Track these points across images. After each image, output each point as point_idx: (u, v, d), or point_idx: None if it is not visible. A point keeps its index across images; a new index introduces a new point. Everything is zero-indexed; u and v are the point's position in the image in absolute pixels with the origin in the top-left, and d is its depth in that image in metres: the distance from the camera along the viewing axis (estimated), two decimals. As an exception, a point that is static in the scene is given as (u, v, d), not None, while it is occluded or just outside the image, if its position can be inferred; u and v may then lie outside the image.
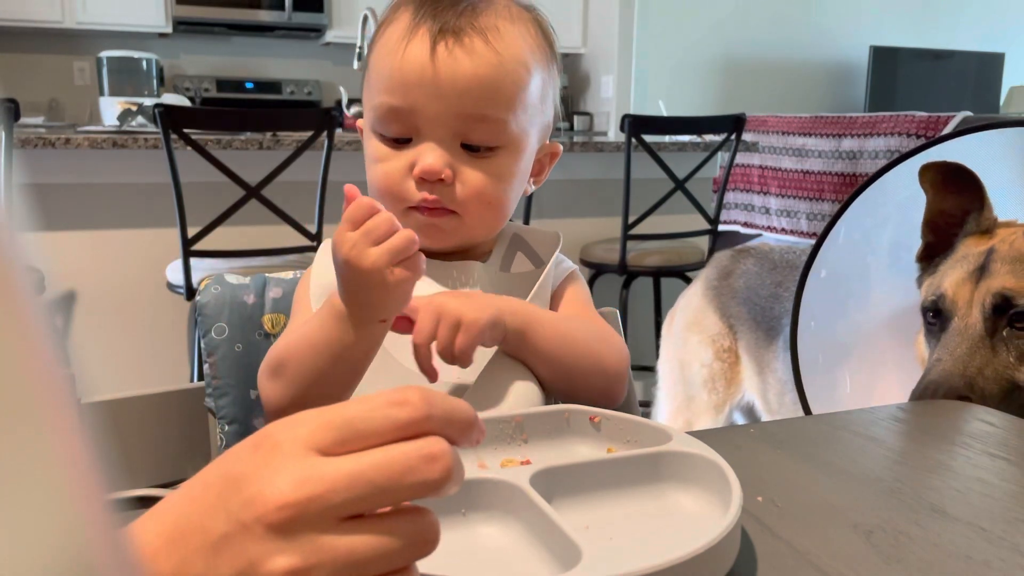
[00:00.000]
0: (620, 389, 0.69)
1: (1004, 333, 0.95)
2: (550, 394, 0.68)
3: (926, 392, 0.91)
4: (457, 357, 0.59)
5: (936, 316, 1.01)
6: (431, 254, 0.70)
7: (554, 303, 0.73)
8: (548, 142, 0.72)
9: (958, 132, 1.11)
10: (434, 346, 0.60)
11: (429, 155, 0.64)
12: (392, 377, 0.64)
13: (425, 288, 0.67)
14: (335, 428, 0.32)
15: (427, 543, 0.33)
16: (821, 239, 1.20)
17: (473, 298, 0.61)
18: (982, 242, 1.02)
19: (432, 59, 0.62)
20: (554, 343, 0.65)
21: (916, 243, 1.11)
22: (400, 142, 0.66)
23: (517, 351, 0.66)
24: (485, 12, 0.65)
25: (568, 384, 0.67)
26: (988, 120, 1.12)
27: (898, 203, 1.18)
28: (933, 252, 1.09)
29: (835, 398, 1.21)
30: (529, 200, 2.57)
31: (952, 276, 1.00)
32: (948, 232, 1.07)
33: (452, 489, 0.33)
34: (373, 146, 0.67)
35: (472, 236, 0.70)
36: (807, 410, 1.21)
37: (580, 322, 0.70)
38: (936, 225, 1.08)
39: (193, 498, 0.33)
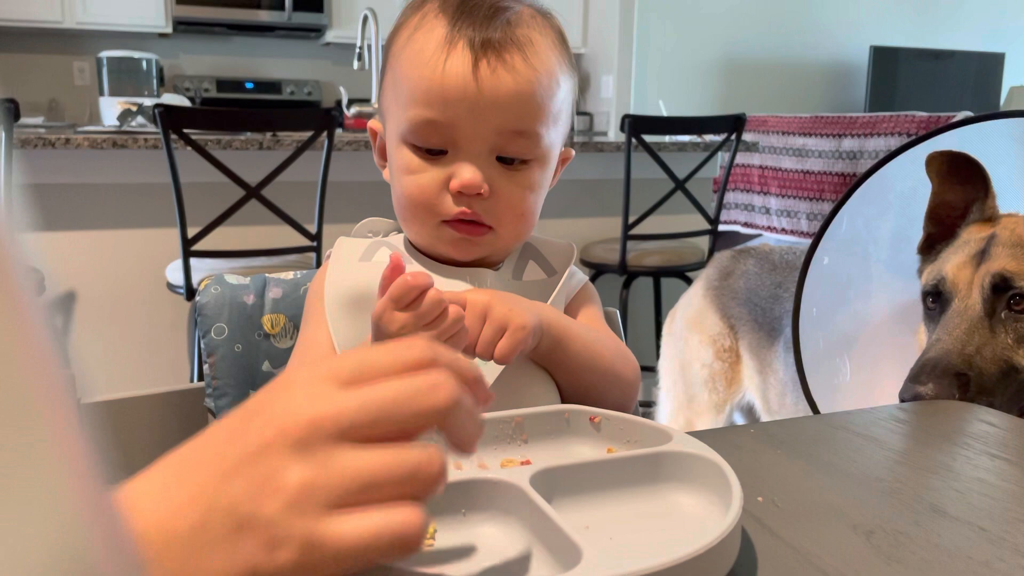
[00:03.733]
0: (633, 403, 0.72)
1: (1003, 315, 0.95)
2: (565, 401, 0.69)
3: (924, 370, 0.91)
4: (496, 359, 0.60)
5: (936, 300, 1.02)
6: (444, 260, 0.70)
7: (569, 315, 0.74)
8: (563, 147, 0.73)
9: (961, 122, 1.11)
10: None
11: (467, 170, 0.64)
12: None
13: None
14: (348, 366, 0.34)
15: (435, 477, 0.34)
16: (824, 227, 1.20)
17: (518, 302, 0.62)
18: (984, 229, 1.03)
19: (475, 75, 0.62)
20: (583, 356, 0.67)
21: (917, 234, 1.11)
22: (434, 154, 0.66)
23: (546, 359, 0.66)
24: (518, 24, 0.65)
25: (585, 395, 0.68)
26: (990, 113, 1.12)
27: (900, 193, 1.18)
28: (934, 242, 1.09)
29: (835, 385, 1.21)
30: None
31: (953, 260, 1.01)
32: (950, 223, 1.08)
33: (464, 423, 0.35)
34: (405, 156, 0.67)
35: (503, 248, 0.71)
36: (809, 398, 1.21)
37: (603, 336, 0.71)
38: (939, 215, 1.08)
39: (206, 437, 0.35)
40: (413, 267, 0.69)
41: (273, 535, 0.31)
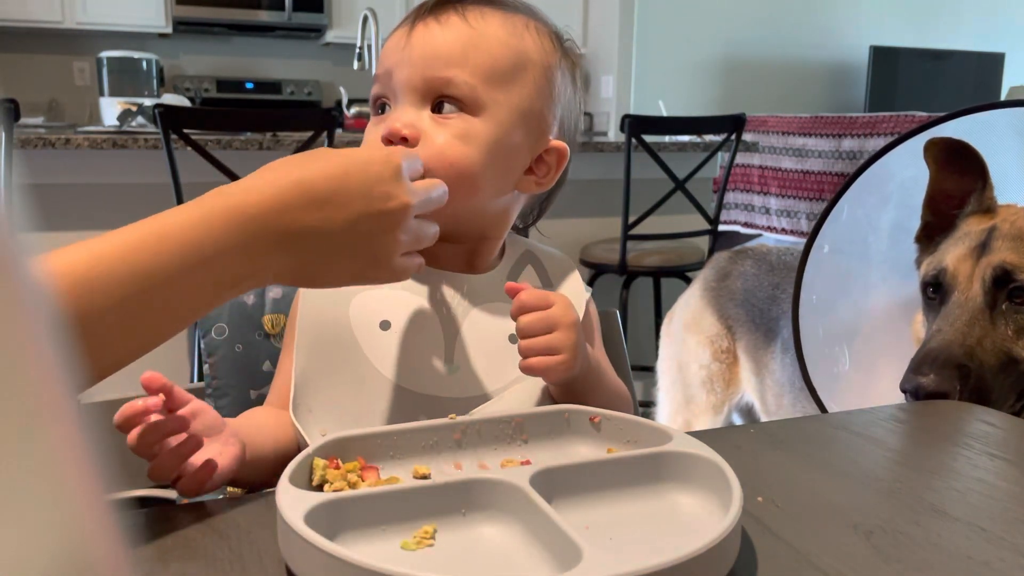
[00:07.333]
0: None
1: (1003, 307, 0.95)
2: None
3: (926, 360, 0.91)
4: (525, 365, 0.61)
5: (936, 291, 1.02)
6: (439, 263, 0.69)
7: None
8: (552, 140, 0.70)
9: (962, 111, 1.11)
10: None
11: (394, 118, 0.65)
12: (380, 391, 0.64)
13: (417, 301, 0.67)
14: (409, 167, 0.58)
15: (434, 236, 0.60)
16: (824, 215, 1.20)
17: (583, 340, 0.63)
18: (983, 221, 1.02)
19: (409, 32, 0.66)
20: (596, 397, 0.67)
21: (916, 225, 1.11)
22: (381, 112, 0.68)
23: (564, 399, 0.66)
24: (478, 5, 0.66)
25: None
26: (992, 102, 1.12)
27: (900, 183, 1.18)
28: (932, 233, 1.09)
29: (835, 373, 1.21)
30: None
31: (953, 252, 1.01)
32: (948, 213, 1.07)
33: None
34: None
35: (447, 215, 0.64)
36: (810, 386, 1.20)
37: (614, 377, 0.71)
38: (937, 204, 1.08)
39: (348, 175, 0.54)
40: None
41: (381, 257, 0.56)
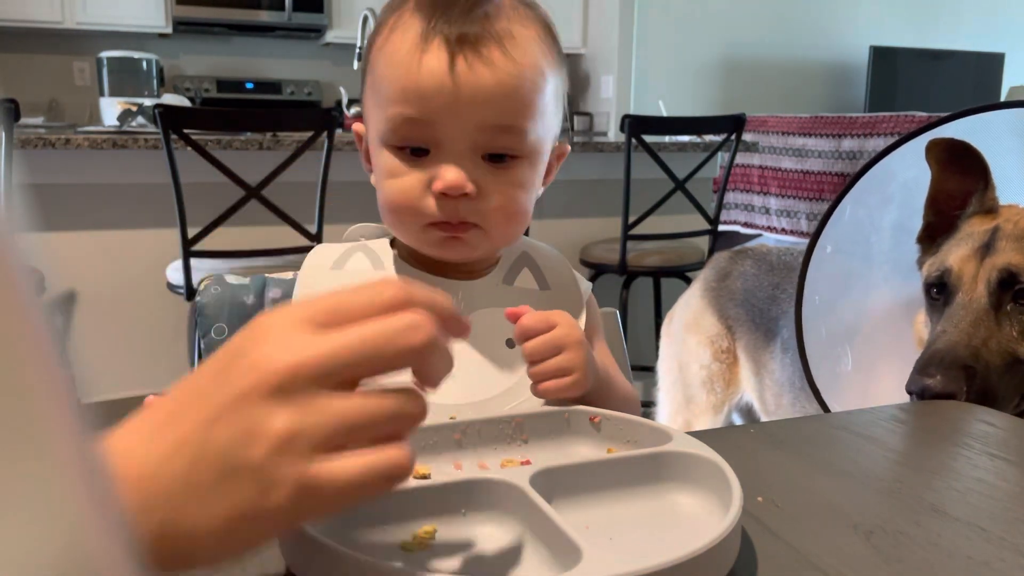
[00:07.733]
0: None
1: (1008, 308, 0.95)
2: None
3: (931, 362, 0.91)
4: (537, 390, 0.61)
5: (940, 292, 1.02)
6: (435, 269, 0.69)
7: None
8: (557, 143, 0.71)
9: (964, 112, 1.11)
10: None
11: (451, 171, 0.62)
12: None
13: None
14: (323, 308, 0.35)
15: (414, 416, 0.35)
16: (827, 215, 1.20)
17: (591, 355, 0.63)
18: (986, 221, 1.03)
19: (451, 71, 0.60)
20: (606, 404, 0.67)
21: (918, 226, 1.11)
22: (416, 155, 0.63)
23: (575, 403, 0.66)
24: (497, 17, 0.63)
25: None
26: (994, 103, 1.12)
27: (902, 183, 1.18)
28: (934, 233, 1.09)
29: (837, 373, 1.21)
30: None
31: (957, 253, 1.01)
32: (950, 213, 1.07)
33: (437, 362, 0.36)
34: (386, 160, 0.64)
35: (494, 247, 0.69)
36: (813, 386, 1.20)
37: (623, 380, 0.71)
38: (939, 204, 1.08)
39: (191, 381, 0.35)
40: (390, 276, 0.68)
41: (264, 479, 0.32)
